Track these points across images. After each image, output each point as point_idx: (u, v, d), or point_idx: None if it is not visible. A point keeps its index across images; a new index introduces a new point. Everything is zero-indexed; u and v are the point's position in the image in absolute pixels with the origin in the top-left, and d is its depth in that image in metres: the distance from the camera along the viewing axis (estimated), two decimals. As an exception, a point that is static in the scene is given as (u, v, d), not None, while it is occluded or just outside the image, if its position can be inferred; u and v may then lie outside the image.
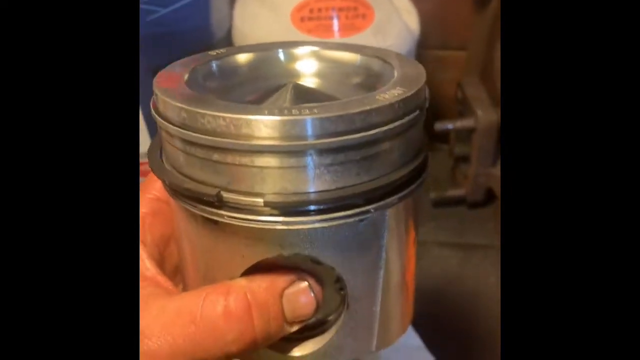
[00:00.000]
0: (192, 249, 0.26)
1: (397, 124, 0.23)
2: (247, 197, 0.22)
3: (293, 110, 0.21)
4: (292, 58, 0.30)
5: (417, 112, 0.24)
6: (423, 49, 0.82)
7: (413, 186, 0.24)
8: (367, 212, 0.23)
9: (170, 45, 0.57)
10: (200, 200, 0.23)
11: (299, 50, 0.30)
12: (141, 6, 0.55)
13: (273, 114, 0.21)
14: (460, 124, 0.67)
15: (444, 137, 0.80)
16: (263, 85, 0.29)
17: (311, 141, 0.21)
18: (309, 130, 0.21)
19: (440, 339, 0.58)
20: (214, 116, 0.22)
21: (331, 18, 0.56)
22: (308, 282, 0.24)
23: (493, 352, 0.57)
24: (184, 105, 0.22)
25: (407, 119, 0.23)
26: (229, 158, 0.22)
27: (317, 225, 0.23)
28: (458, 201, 0.74)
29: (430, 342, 0.57)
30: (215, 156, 0.22)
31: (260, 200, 0.22)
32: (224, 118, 0.21)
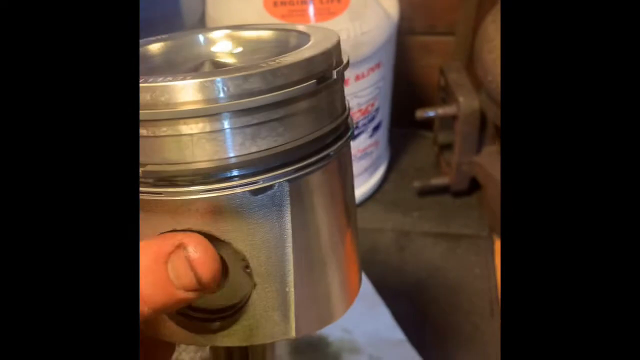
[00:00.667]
0: None
1: (289, 90, 0.22)
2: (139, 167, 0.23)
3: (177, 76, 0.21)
4: (208, 42, 0.30)
5: (315, 80, 0.23)
6: (408, 35, 0.80)
7: (315, 158, 0.23)
8: (255, 182, 0.22)
9: (140, 32, 0.54)
10: None
11: (214, 34, 0.30)
12: (107, -8, 0.53)
13: (156, 81, 0.21)
14: (443, 111, 0.65)
15: (428, 124, 0.78)
16: (182, 67, 0.28)
17: (191, 107, 0.21)
18: (188, 96, 0.21)
19: (423, 332, 0.57)
20: None
21: (305, 2, 0.54)
22: (195, 246, 0.22)
23: (477, 346, 0.56)
24: None
25: (303, 85, 0.22)
26: None
27: (200, 196, 0.22)
28: (442, 190, 0.73)
29: (412, 335, 0.56)
30: None
31: (140, 170, 0.22)
32: None
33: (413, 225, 0.71)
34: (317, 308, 0.26)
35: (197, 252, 0.22)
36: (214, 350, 0.30)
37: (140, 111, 0.21)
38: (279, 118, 0.22)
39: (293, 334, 0.25)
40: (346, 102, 0.27)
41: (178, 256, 0.22)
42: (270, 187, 0.23)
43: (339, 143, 0.25)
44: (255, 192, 0.23)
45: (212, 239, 0.24)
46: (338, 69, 0.24)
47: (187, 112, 0.21)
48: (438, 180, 0.72)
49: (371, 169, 0.72)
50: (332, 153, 0.24)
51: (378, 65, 0.59)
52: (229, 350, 0.29)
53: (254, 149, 0.22)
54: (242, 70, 0.21)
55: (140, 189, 0.23)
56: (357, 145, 0.66)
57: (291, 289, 0.25)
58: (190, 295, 0.22)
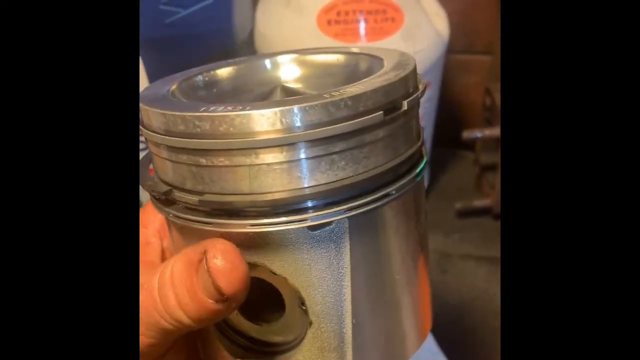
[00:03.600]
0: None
1: (356, 121, 0.20)
2: (191, 195, 0.22)
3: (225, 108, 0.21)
4: (275, 66, 0.29)
5: (383, 111, 0.21)
6: (447, 53, 0.80)
7: (378, 195, 0.22)
8: (311, 219, 0.21)
9: (191, 48, 0.55)
10: (156, 199, 0.24)
11: (280, 58, 0.29)
12: (160, 7, 0.53)
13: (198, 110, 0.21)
14: (490, 132, 0.64)
15: (468, 144, 0.77)
16: (252, 93, 0.28)
17: (251, 138, 0.20)
18: (255, 127, 0.20)
19: (467, 358, 0.56)
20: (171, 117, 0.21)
21: (359, 21, 0.53)
22: (218, 255, 0.21)
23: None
24: (163, 111, 0.22)
25: (369, 116, 0.21)
26: (183, 158, 0.22)
27: (250, 229, 0.21)
28: (484, 212, 0.72)
29: (456, 357, 0.55)
30: (182, 157, 0.22)
31: (197, 199, 0.22)
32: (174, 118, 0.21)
33: (454, 247, 0.69)
34: (382, 349, 0.25)
35: (220, 260, 0.21)
36: None
37: (199, 140, 0.21)
38: (341, 151, 0.21)
39: None
40: (421, 130, 0.25)
41: (203, 265, 0.21)
42: (329, 223, 0.22)
43: (406, 179, 0.23)
44: (312, 228, 0.22)
45: (268, 272, 0.23)
46: (410, 98, 0.22)
47: (249, 143, 0.20)
48: (480, 202, 0.70)
49: (412, 188, 0.71)
50: (395, 190, 0.22)
51: (427, 85, 0.59)
52: None
53: (311, 183, 0.21)
54: (315, 99, 0.20)
55: (194, 217, 0.22)
56: (401, 165, 0.65)
57: (349, 331, 0.23)
58: (220, 306, 0.22)
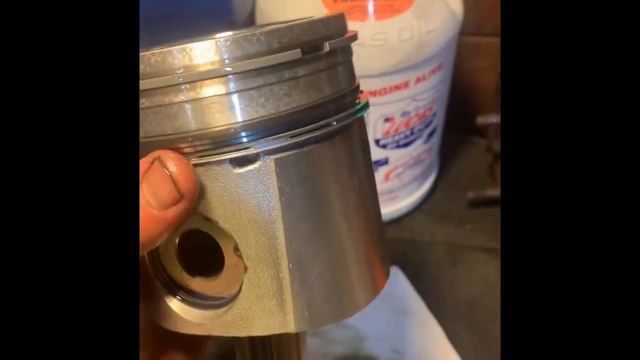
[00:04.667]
0: None
1: (270, 57, 0.21)
2: None
3: None
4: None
5: (298, 50, 0.22)
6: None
7: (301, 135, 0.22)
8: (233, 152, 0.21)
9: (186, 27, 0.51)
10: None
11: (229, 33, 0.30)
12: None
13: None
14: (505, 117, 0.61)
15: (481, 130, 0.74)
16: None
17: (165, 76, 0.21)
18: (168, 65, 0.21)
19: (478, 353, 0.54)
20: None
21: (367, -2, 0.50)
22: (172, 161, 0.21)
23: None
24: None
25: (285, 53, 0.21)
26: None
27: None
28: (497, 201, 0.68)
29: (467, 357, 0.53)
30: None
31: None
32: None
33: (466, 238, 0.66)
34: (325, 298, 0.24)
35: (175, 165, 0.21)
36: (238, 341, 0.28)
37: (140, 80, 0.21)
38: (258, 87, 0.21)
39: (292, 327, 0.23)
40: (356, 81, 0.26)
41: (154, 170, 0.21)
42: (253, 159, 0.22)
43: (337, 116, 0.23)
44: (237, 166, 0.22)
45: (202, 220, 0.23)
46: (333, 40, 0.23)
47: (161, 81, 0.21)
48: (493, 192, 0.67)
49: (421, 177, 0.68)
50: (324, 125, 0.23)
51: (440, 67, 0.55)
52: (252, 343, 0.28)
53: (233, 120, 0.21)
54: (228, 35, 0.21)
55: None
56: (411, 152, 0.62)
57: (286, 276, 0.23)
58: (169, 213, 0.21)
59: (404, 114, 0.57)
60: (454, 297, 0.60)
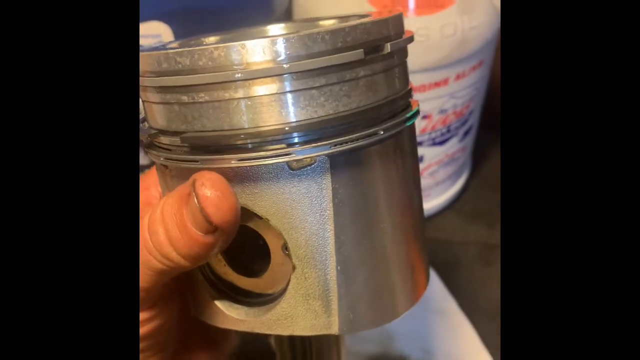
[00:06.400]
0: None
1: (330, 57, 0.21)
2: (174, 137, 0.22)
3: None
4: (263, 32, 0.30)
5: (364, 50, 0.21)
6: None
7: (363, 133, 0.22)
8: (292, 154, 0.21)
9: (221, 22, 0.51)
10: (147, 147, 0.24)
11: (270, 27, 0.30)
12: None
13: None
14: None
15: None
16: None
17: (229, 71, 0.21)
18: (232, 60, 0.20)
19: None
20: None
21: (411, -8, 0.49)
22: (206, 184, 0.21)
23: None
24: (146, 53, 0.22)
25: (349, 52, 0.21)
26: (167, 97, 0.22)
27: (234, 164, 0.21)
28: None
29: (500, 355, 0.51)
30: (165, 97, 0.22)
31: (177, 139, 0.22)
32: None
33: (498, 238, 0.65)
34: (369, 301, 0.24)
35: (208, 188, 0.21)
36: (278, 339, 0.28)
37: (181, 76, 0.21)
38: (319, 86, 0.21)
39: (335, 329, 0.23)
40: (409, 84, 0.25)
41: (192, 196, 0.21)
42: (310, 161, 0.21)
43: (393, 121, 0.23)
44: (293, 166, 0.21)
45: (252, 217, 0.22)
46: (393, 42, 0.22)
47: (225, 76, 0.20)
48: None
49: (454, 175, 0.67)
50: (383, 131, 0.22)
51: (480, 64, 0.54)
52: (292, 343, 0.28)
53: (290, 119, 0.21)
54: (293, 33, 0.21)
55: (177, 156, 0.22)
56: (446, 150, 0.61)
57: (333, 278, 0.22)
58: (209, 239, 0.21)
59: (441, 111, 0.56)
60: (486, 298, 0.59)
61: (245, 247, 0.25)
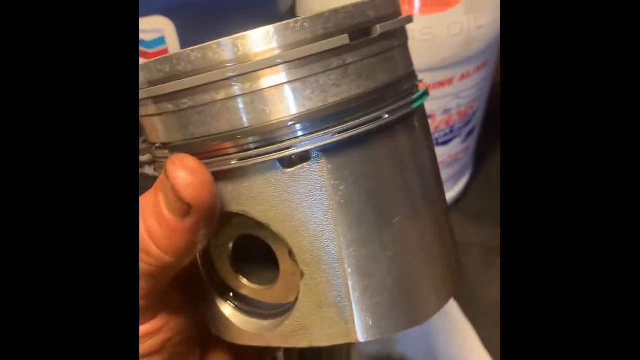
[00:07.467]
0: None
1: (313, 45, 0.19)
2: (164, 149, 0.22)
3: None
4: None
5: (349, 34, 0.20)
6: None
7: (358, 122, 0.20)
8: (283, 150, 0.20)
9: (221, 21, 0.50)
10: (149, 164, 0.24)
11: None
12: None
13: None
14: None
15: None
16: None
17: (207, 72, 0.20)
18: (210, 61, 0.20)
19: None
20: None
21: (416, -9, 0.48)
22: (179, 166, 0.20)
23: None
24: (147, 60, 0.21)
25: (331, 39, 0.19)
26: (153, 109, 0.22)
27: (223, 167, 0.20)
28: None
29: None
30: (153, 108, 0.22)
31: (166, 151, 0.22)
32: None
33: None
34: (390, 305, 0.22)
35: (179, 169, 0.20)
36: (287, 352, 0.27)
37: (162, 85, 0.20)
38: (303, 78, 0.20)
39: (355, 337, 0.21)
40: (412, 66, 0.23)
41: (165, 182, 0.20)
42: (303, 156, 0.20)
43: (391, 107, 0.21)
44: (285, 165, 0.20)
45: (251, 222, 0.21)
46: (385, 23, 0.21)
47: (205, 78, 0.20)
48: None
49: (457, 176, 0.66)
50: (379, 119, 0.20)
51: (485, 64, 0.54)
52: (302, 354, 0.26)
53: (279, 116, 0.20)
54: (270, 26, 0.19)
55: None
56: (449, 151, 0.60)
57: (345, 281, 0.21)
58: (187, 223, 0.20)
59: (445, 111, 0.55)
60: (488, 300, 0.59)
61: (255, 257, 0.24)
